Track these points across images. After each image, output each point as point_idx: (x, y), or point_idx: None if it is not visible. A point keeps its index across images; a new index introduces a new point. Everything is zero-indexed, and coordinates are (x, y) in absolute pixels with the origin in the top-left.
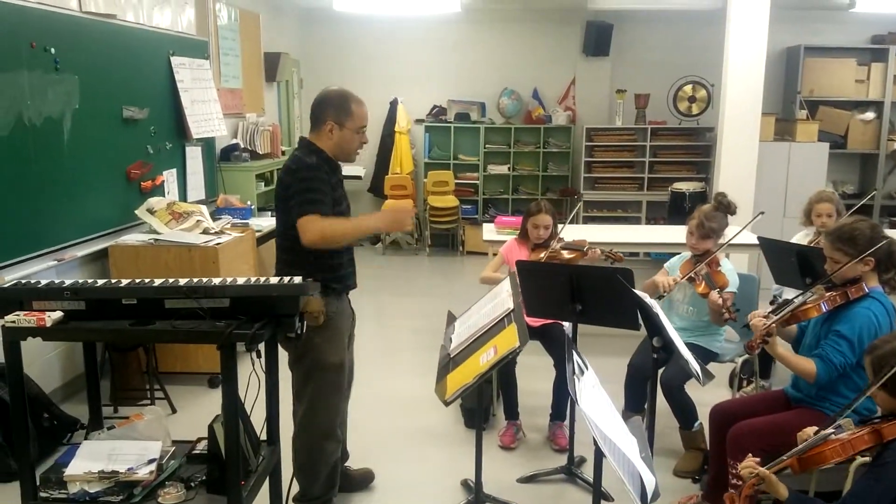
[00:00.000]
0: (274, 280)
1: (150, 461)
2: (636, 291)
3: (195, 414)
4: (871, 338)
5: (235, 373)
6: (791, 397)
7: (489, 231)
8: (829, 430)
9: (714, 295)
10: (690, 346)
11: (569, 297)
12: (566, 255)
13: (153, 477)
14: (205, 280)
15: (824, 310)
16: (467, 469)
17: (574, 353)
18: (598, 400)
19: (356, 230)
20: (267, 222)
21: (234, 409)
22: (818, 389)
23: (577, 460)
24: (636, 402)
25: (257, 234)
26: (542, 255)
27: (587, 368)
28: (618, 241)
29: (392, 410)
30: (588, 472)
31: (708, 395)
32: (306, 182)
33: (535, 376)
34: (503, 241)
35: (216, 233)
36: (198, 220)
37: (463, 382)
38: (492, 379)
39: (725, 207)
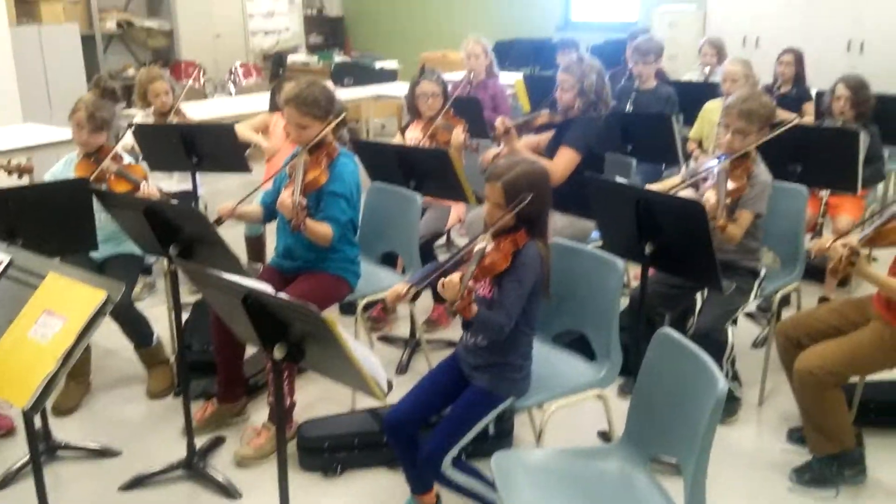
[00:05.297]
0: None
1: None
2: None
3: None
4: (357, 188)
5: None
6: (286, 269)
7: None
8: (480, 244)
9: None
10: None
11: None
12: None
13: None
14: None
15: None
16: None
17: None
18: None
19: None
20: None
21: None
22: (320, 252)
23: None
24: None
25: None
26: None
27: None
28: None
29: None
30: None
31: None
32: None
33: None
34: None
35: None
36: None
37: (39, 374)
38: None
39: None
